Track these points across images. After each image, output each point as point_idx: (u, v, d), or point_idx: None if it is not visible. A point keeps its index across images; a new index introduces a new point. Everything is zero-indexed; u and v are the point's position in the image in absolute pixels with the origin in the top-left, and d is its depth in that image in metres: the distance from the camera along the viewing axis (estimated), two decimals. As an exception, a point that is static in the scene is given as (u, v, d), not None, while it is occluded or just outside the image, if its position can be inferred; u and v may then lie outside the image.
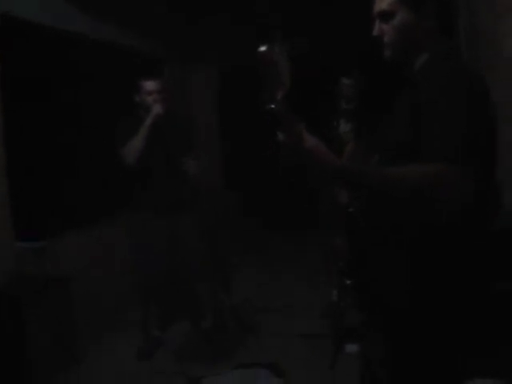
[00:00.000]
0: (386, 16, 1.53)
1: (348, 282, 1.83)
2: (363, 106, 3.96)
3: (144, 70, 5.09)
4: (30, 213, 3.58)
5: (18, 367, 2.92)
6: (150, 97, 3.42)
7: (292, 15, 5.38)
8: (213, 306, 3.92)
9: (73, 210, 4.06)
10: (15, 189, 3.39)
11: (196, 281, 3.72)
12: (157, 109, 3.36)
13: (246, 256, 5.59)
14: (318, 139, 1.29)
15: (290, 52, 1.09)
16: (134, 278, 3.73)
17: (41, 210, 3.70)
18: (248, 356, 3.44)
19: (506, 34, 3.08)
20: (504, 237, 1.52)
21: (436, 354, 1.45)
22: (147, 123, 3.35)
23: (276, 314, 4.16)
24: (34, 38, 3.71)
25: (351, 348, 3.34)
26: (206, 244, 3.78)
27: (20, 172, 3.47)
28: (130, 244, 3.67)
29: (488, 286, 1.48)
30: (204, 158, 3.99)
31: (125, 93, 4.55)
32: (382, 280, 1.54)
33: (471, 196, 1.28)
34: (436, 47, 1.52)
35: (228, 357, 3.47)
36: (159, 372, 3.29)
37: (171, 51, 5.93)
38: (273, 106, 1.12)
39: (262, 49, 1.05)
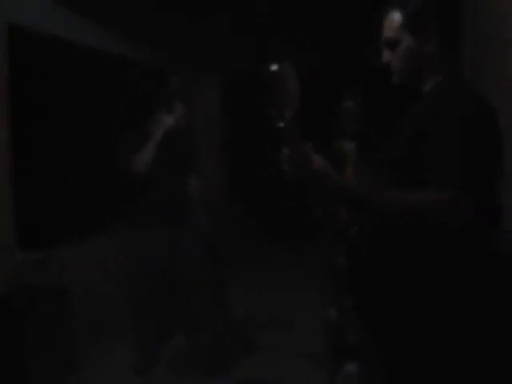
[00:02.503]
0: (391, 43, 1.59)
1: (349, 302, 1.84)
2: (366, 126, 3.98)
3: (149, 81, 5.18)
4: (31, 223, 3.59)
5: (17, 377, 2.91)
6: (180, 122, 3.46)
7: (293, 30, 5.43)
8: (211, 320, 3.90)
9: (74, 221, 4.06)
10: (17, 198, 3.40)
11: (194, 294, 3.70)
12: (169, 120, 3.39)
13: (246, 269, 5.58)
14: (324, 160, 1.30)
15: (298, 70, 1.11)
16: (132, 290, 3.72)
17: (42, 220, 3.70)
18: (246, 373, 3.42)
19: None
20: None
21: (439, 376, 1.46)
22: (159, 133, 3.37)
23: (275, 329, 4.16)
24: (38, 48, 3.73)
25: (350, 368, 3.32)
26: (205, 258, 3.77)
27: (22, 182, 3.48)
28: (128, 256, 3.67)
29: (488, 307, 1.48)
30: (205, 171, 3.98)
31: (125, 103, 4.61)
32: (383, 301, 1.55)
33: (469, 220, 1.30)
34: (442, 73, 1.55)
35: (225, 373, 3.45)
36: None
37: (173, 61, 5.96)
38: (281, 125, 1.13)
39: (274, 68, 1.07)
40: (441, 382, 1.45)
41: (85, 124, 4.25)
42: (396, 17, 1.57)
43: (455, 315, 1.43)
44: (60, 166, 3.94)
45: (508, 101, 2.74)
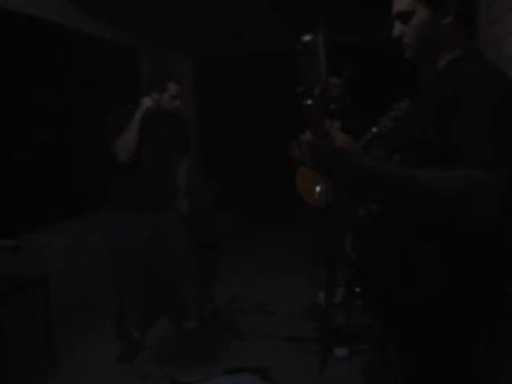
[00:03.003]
0: (404, 16, 1.49)
1: (357, 289, 1.75)
2: (352, 105, 3.90)
3: (121, 60, 4.99)
4: (3, 210, 3.41)
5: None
6: (174, 101, 3.29)
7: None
8: (196, 305, 3.81)
9: (48, 207, 3.90)
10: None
11: (178, 279, 3.60)
12: (146, 102, 3.23)
13: (227, 255, 5.49)
14: (347, 136, 1.20)
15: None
16: (113, 275, 3.60)
17: (15, 207, 3.53)
18: (234, 359, 3.34)
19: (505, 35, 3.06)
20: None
21: (456, 368, 1.40)
22: (137, 117, 3.20)
23: (261, 314, 4.08)
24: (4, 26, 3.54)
25: (341, 352, 3.28)
26: (189, 242, 3.65)
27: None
28: (110, 239, 3.53)
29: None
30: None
31: (98, 83, 4.44)
32: (397, 289, 1.47)
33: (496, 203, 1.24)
34: (460, 47, 1.46)
35: (213, 360, 3.36)
36: (141, 376, 3.17)
37: (145, 40, 5.76)
38: (309, 103, 1.02)
39: (307, 38, 0.96)
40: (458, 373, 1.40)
41: (63, 104, 4.08)
42: None
43: (478, 301, 1.37)
44: (38, 147, 3.78)
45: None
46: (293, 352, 3.45)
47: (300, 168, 3.99)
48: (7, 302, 2.93)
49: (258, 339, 3.63)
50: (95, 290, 4.10)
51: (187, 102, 6.57)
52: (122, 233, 3.37)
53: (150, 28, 5.71)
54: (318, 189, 3.88)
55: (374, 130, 3.29)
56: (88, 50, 4.55)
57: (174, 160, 3.55)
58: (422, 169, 1.25)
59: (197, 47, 6.57)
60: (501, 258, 1.41)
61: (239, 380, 2.99)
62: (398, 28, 1.52)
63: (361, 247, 1.64)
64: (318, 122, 1.11)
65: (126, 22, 5.20)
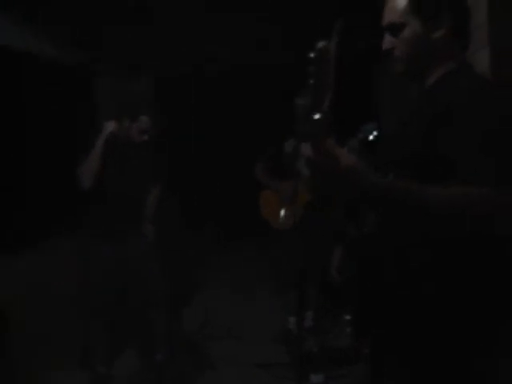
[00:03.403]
0: (395, 28, 1.43)
1: (347, 317, 1.69)
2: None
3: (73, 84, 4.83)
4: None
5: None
6: (143, 136, 3.18)
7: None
8: (165, 335, 3.64)
9: (7, 234, 3.69)
10: None
11: (148, 307, 3.44)
12: (110, 126, 3.10)
13: (194, 277, 5.33)
14: (351, 154, 1.13)
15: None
16: (79, 303, 3.42)
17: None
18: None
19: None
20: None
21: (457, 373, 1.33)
22: (99, 142, 3.08)
23: (231, 340, 3.95)
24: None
25: (317, 378, 3.19)
26: (158, 270, 3.51)
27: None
28: (77, 268, 3.36)
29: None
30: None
31: (53, 108, 4.28)
32: (400, 312, 1.40)
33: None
34: (452, 61, 1.42)
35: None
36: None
37: (99, 61, 5.59)
38: (318, 117, 0.94)
39: (321, 44, 0.89)
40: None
41: (28, 131, 3.90)
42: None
43: (476, 311, 1.31)
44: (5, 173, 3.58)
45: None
46: (265, 379, 3.35)
47: (263, 191, 3.91)
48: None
49: (229, 366, 3.50)
50: (59, 319, 3.87)
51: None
52: (89, 260, 3.21)
53: (106, 46, 5.55)
54: (282, 212, 3.82)
55: None
56: (37, 72, 4.36)
57: (142, 186, 3.41)
58: (433, 187, 1.19)
59: (157, 66, 6.45)
60: (503, 262, 1.35)
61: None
62: (387, 40, 1.46)
63: (356, 266, 1.58)
64: (322, 138, 1.04)
65: (78, 40, 5.01)
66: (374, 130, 2.82)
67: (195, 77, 6.66)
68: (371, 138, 2.07)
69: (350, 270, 1.63)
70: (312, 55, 0.89)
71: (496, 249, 1.30)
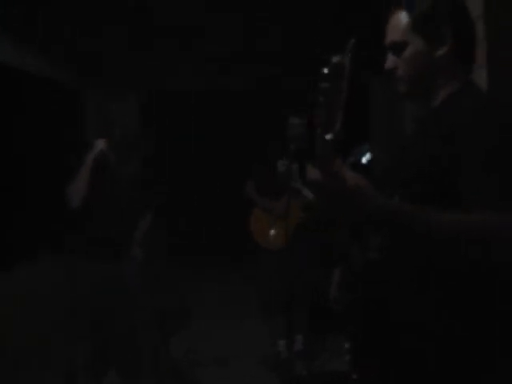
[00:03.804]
0: (397, 47, 1.39)
1: (347, 345, 1.61)
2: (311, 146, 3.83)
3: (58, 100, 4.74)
4: None
5: None
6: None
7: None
8: (151, 359, 3.53)
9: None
10: None
11: (135, 332, 3.31)
12: (100, 144, 3.02)
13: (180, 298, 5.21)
14: (358, 175, 1.08)
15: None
16: (64, 326, 3.29)
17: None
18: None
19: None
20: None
21: None
22: (88, 160, 2.99)
23: (218, 366, 3.82)
24: None
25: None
26: (145, 294, 3.41)
27: None
28: (61, 288, 3.24)
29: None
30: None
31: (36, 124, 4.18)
32: (404, 341, 1.33)
33: None
34: (457, 81, 1.38)
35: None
36: None
37: (85, 78, 5.50)
38: (329, 138, 0.88)
39: (336, 59, 0.83)
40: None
41: (16, 147, 3.79)
42: (403, 17, 1.38)
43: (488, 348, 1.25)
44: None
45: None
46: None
47: (254, 210, 3.87)
48: None
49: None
50: (41, 341, 3.73)
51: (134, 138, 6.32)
52: (76, 281, 3.10)
53: (95, 64, 5.47)
54: (272, 232, 3.77)
55: None
56: (24, 89, 4.26)
57: (130, 211, 3.32)
58: (443, 211, 1.15)
59: (145, 83, 6.38)
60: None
61: None
62: (390, 60, 1.42)
63: (359, 291, 1.51)
64: (331, 160, 0.98)
65: (67, 57, 4.94)
66: (367, 152, 2.76)
67: (187, 94, 6.61)
68: (364, 161, 2.02)
69: (351, 294, 1.57)
70: (326, 71, 0.83)
71: (504, 275, 1.26)
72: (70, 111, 5.11)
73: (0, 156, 3.79)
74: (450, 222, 1.13)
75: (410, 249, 1.27)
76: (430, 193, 1.26)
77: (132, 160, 3.19)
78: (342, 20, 4.21)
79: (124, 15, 4.10)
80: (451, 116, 1.30)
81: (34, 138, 4.18)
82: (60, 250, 3.19)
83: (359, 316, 1.50)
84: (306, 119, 3.73)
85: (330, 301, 1.69)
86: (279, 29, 4.76)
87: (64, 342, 3.36)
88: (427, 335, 1.28)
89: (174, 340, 4.03)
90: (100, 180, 3.02)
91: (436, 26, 1.35)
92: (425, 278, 1.28)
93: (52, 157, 3.03)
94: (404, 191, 1.37)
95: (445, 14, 1.36)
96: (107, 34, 4.26)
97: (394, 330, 1.36)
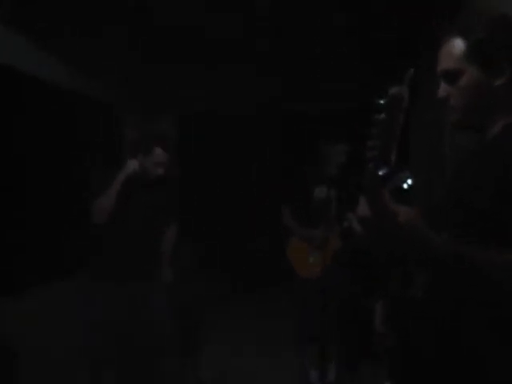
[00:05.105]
0: (451, 76, 1.33)
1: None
2: (347, 172, 3.75)
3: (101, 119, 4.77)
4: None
5: None
6: (158, 169, 3.11)
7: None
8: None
9: (15, 273, 3.54)
10: None
11: (161, 357, 3.26)
12: (133, 164, 3.03)
13: (211, 326, 5.12)
14: (410, 209, 1.02)
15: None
16: (90, 349, 3.24)
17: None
18: None
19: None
20: None
21: None
22: (119, 179, 3.00)
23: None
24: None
25: None
26: (173, 316, 3.36)
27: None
28: (86, 310, 3.20)
29: None
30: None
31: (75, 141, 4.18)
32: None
33: None
34: None
35: None
36: None
37: (127, 97, 5.56)
38: (381, 172, 0.83)
39: (394, 90, 0.78)
40: None
41: (43, 164, 3.79)
42: (458, 44, 1.31)
43: None
44: (13, 209, 3.46)
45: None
46: None
47: (291, 238, 3.79)
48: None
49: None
50: (63, 368, 3.68)
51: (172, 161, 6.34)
52: (99, 305, 3.08)
53: (133, 85, 5.54)
54: (311, 260, 3.68)
55: None
56: (66, 107, 4.30)
57: (156, 226, 3.31)
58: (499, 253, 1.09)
59: (181, 106, 6.43)
60: None
61: None
62: (443, 88, 1.35)
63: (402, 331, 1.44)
64: (381, 195, 0.92)
65: (108, 79, 5.01)
66: (408, 178, 2.68)
67: (208, 116, 6.61)
68: (405, 187, 1.95)
69: (395, 332, 1.49)
70: (382, 102, 0.78)
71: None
72: (109, 129, 5.13)
73: (15, 175, 3.78)
74: (504, 263, 1.07)
75: (457, 288, 1.20)
76: (489, 234, 1.19)
77: (156, 177, 3.19)
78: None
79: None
80: (508, 148, 1.23)
81: (54, 153, 4.16)
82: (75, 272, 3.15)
83: (405, 356, 1.43)
84: (347, 146, 3.67)
85: (375, 337, 1.62)
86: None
87: (86, 369, 3.29)
88: (477, 376, 1.20)
89: (203, 366, 3.95)
90: (123, 198, 3.02)
91: (494, 53, 1.28)
92: (471, 317, 1.21)
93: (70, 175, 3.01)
94: (458, 230, 1.30)
95: (503, 42, 1.30)
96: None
97: (439, 371, 1.29)
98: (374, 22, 4.05)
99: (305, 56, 4.87)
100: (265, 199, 4.01)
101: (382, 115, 0.79)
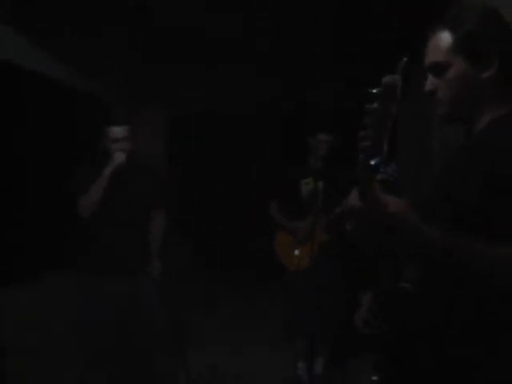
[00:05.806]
0: (439, 69, 1.33)
1: (374, 378, 1.53)
2: (334, 165, 3.71)
3: (97, 113, 4.75)
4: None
5: None
6: (116, 144, 3.08)
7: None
8: (171, 377, 3.46)
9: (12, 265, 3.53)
10: None
11: (153, 352, 3.25)
12: (119, 157, 3.03)
13: (201, 319, 5.13)
14: (400, 200, 1.02)
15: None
16: (80, 344, 3.23)
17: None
18: None
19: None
20: None
21: None
22: (106, 172, 3.00)
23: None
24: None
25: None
26: (163, 310, 3.34)
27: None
28: (76, 306, 3.20)
29: None
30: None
31: (72, 136, 4.17)
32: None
33: None
34: (501, 104, 1.30)
35: None
36: None
37: (119, 92, 5.52)
38: (373, 162, 0.83)
39: (388, 79, 0.78)
40: None
41: (29, 157, 3.78)
42: (445, 37, 1.31)
43: None
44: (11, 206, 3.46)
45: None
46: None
47: (278, 232, 3.80)
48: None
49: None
50: (54, 363, 3.66)
51: (160, 158, 6.32)
52: (89, 299, 3.08)
53: (123, 82, 5.51)
54: (296, 252, 3.69)
55: None
56: (65, 107, 4.29)
57: (142, 215, 3.29)
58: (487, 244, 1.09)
59: (172, 104, 6.41)
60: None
61: None
62: (430, 81, 1.35)
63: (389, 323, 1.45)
64: (372, 185, 0.92)
65: (99, 74, 4.99)
66: (395, 171, 2.68)
67: (208, 116, 6.61)
68: (392, 179, 1.95)
69: (382, 321, 1.50)
70: (375, 91, 0.78)
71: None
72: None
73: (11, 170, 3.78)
74: (496, 255, 1.08)
75: (448, 279, 1.21)
76: (478, 227, 1.19)
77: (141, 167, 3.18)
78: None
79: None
80: (496, 142, 1.23)
81: (47, 145, 4.15)
82: (71, 266, 3.14)
83: (391, 348, 1.44)
84: (332, 136, 3.65)
85: (357, 323, 1.62)
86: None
87: (75, 368, 3.28)
88: (468, 370, 1.21)
89: (194, 356, 3.95)
90: (112, 191, 3.02)
91: (482, 46, 1.28)
92: (462, 310, 1.21)
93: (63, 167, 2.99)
94: (447, 224, 1.30)
95: (491, 34, 1.29)
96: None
97: (430, 364, 1.29)
98: (374, 21, 4.05)
99: (305, 56, 4.88)
100: (265, 199, 4.00)
101: (375, 104, 0.79)
